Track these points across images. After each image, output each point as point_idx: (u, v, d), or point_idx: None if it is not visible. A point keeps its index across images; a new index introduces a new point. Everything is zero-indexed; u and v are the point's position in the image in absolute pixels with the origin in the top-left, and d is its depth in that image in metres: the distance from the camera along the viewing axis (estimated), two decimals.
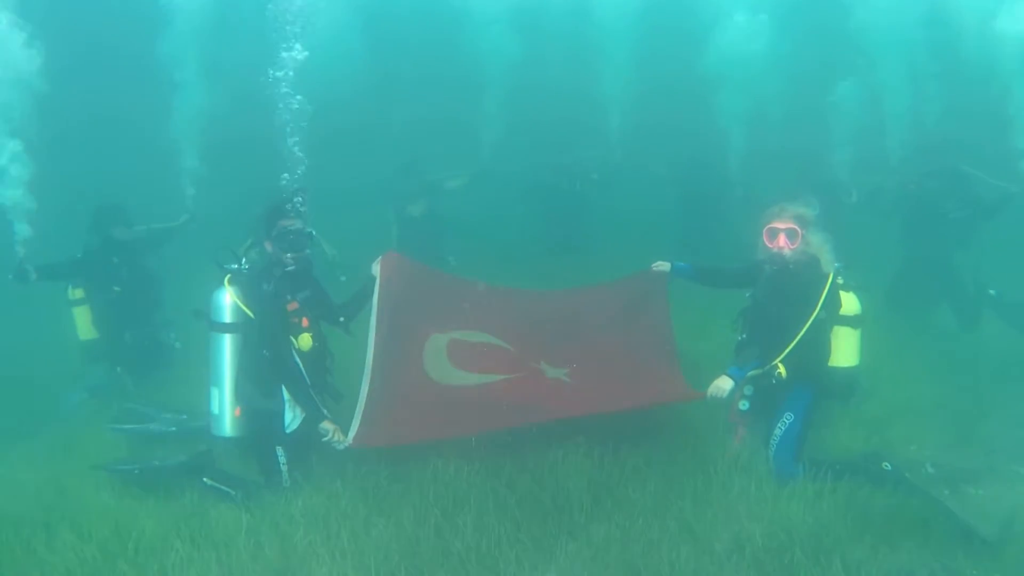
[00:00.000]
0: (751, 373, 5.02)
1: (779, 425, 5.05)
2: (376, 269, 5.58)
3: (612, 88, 12.47)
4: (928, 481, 5.22)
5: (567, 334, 5.85)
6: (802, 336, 4.87)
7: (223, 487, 5.03)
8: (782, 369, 4.87)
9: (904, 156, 9.03)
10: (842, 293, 5.10)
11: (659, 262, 5.93)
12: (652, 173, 11.43)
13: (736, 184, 10.43)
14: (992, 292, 8.05)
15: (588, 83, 12.68)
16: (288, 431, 5.10)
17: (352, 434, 4.82)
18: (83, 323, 7.44)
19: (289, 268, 5.14)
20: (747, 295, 5.48)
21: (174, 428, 6.04)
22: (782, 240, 5.11)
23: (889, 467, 4.96)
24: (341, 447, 4.84)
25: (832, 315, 5.03)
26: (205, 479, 5.08)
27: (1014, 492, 5.30)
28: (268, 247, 5.20)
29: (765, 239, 5.20)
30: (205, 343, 5.30)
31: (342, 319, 5.50)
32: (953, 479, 5.31)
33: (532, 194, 11.74)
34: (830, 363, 5.12)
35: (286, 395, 5.06)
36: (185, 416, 6.13)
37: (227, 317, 5.09)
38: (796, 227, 5.09)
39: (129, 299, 7.46)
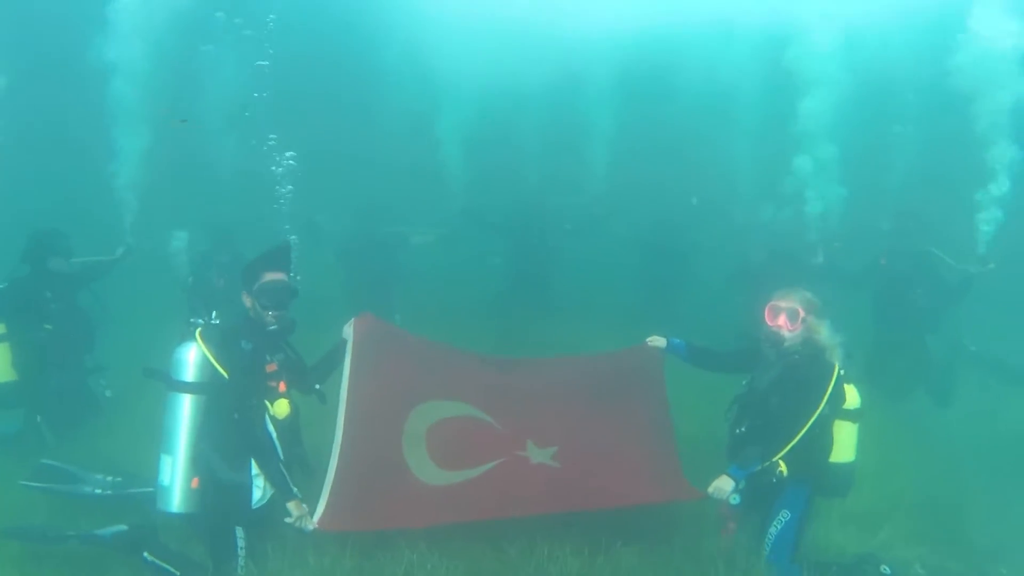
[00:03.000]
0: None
1: (775, 524, 4.88)
2: (348, 331, 5.24)
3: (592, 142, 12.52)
4: None
5: (555, 408, 5.55)
6: (804, 432, 4.73)
7: (167, 566, 4.62)
8: (783, 467, 4.71)
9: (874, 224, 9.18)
10: (845, 386, 4.98)
11: (654, 337, 5.75)
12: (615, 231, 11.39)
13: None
14: (972, 348, 8.24)
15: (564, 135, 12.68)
16: (255, 508, 4.68)
17: (318, 515, 4.46)
18: (1, 363, 6.82)
19: (271, 328, 4.77)
20: (744, 381, 5.33)
21: (109, 492, 5.56)
22: (782, 320, 4.99)
23: (888, 571, 4.87)
24: (308, 530, 4.46)
25: (835, 410, 4.90)
26: (146, 554, 4.65)
27: None
28: (248, 301, 4.81)
29: (767, 317, 5.08)
30: (159, 401, 4.78)
31: (317, 386, 5.08)
32: None
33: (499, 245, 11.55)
34: (831, 459, 4.98)
35: (255, 468, 4.65)
36: (120, 479, 5.66)
37: (191, 375, 4.61)
38: (799, 308, 4.97)
39: (59, 339, 6.95)
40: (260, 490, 4.67)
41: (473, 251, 11.87)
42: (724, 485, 4.68)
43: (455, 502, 4.76)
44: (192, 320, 4.73)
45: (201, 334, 4.63)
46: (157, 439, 4.72)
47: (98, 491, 5.60)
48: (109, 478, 5.69)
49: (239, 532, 4.61)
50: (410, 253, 10.84)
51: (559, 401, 5.62)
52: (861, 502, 5.64)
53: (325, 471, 4.71)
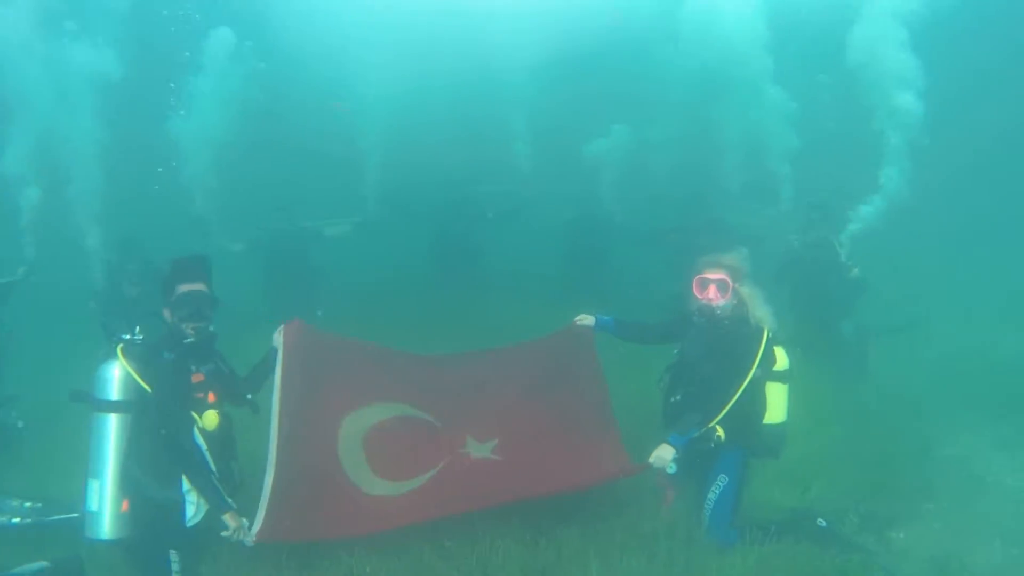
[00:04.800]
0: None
1: (713, 488, 5.02)
2: (278, 339, 5.14)
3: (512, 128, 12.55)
4: (854, 530, 5.46)
5: (492, 400, 5.58)
6: (739, 396, 4.86)
7: None
8: (721, 432, 4.85)
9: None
10: (774, 348, 5.12)
11: (582, 316, 5.80)
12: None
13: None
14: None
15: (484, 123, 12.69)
16: (189, 526, 4.55)
17: (256, 528, 4.40)
18: None
19: (188, 340, 4.64)
20: (675, 350, 5.43)
21: (28, 520, 5.36)
22: (712, 292, 5.10)
23: (824, 523, 5.08)
24: (247, 543, 4.39)
25: (766, 372, 5.05)
26: None
27: (931, 531, 5.68)
28: (167, 315, 4.67)
29: (695, 290, 5.18)
30: (80, 426, 4.64)
31: (249, 396, 4.97)
32: (877, 525, 5.63)
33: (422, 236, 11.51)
34: (764, 420, 5.13)
35: (186, 484, 4.51)
36: (40, 505, 5.46)
37: (116, 393, 4.46)
38: (727, 278, 5.09)
39: None
40: (194, 506, 4.54)
41: (393, 240, 11.82)
42: (664, 454, 4.77)
43: (397, 509, 4.74)
44: (114, 337, 4.59)
45: (123, 350, 4.50)
46: (81, 464, 4.57)
47: (16, 520, 5.40)
48: (27, 504, 5.50)
49: (173, 556, 4.48)
50: (326, 245, 10.70)
51: (496, 393, 5.65)
52: (793, 459, 5.82)
53: (262, 482, 4.63)
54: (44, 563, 4.61)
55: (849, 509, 5.67)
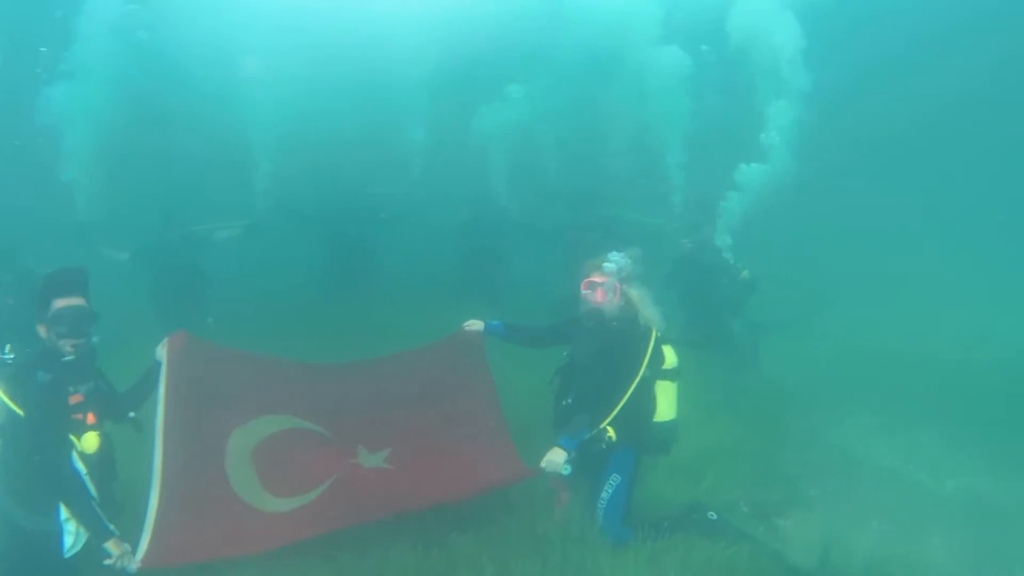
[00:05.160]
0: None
1: (606, 488, 5.08)
2: (161, 352, 4.94)
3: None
4: (744, 519, 5.64)
5: (383, 410, 5.51)
6: (629, 396, 4.93)
7: None
8: (612, 432, 4.92)
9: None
10: (663, 347, 5.22)
11: (471, 321, 5.80)
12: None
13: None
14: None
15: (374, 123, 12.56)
16: (67, 557, 4.33)
17: (141, 553, 4.19)
18: None
19: (67, 358, 4.40)
20: (565, 353, 5.48)
21: None
22: (600, 295, 5.17)
23: (715, 516, 5.20)
24: (131, 570, 4.18)
25: (656, 371, 5.14)
26: None
27: (815, 516, 5.92)
28: (42, 331, 4.43)
29: (583, 293, 5.23)
30: None
31: (132, 414, 4.74)
32: (765, 513, 5.85)
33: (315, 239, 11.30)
34: (655, 419, 5.22)
35: (64, 512, 4.28)
36: None
37: None
38: (615, 281, 5.17)
39: None
40: (72, 535, 4.32)
41: (285, 243, 11.59)
42: (556, 457, 4.80)
43: (290, 525, 4.62)
44: None
45: None
46: None
47: None
48: None
49: None
50: (217, 250, 10.38)
51: (386, 401, 5.59)
52: (685, 454, 5.95)
53: (145, 504, 4.42)
54: None
55: (739, 500, 5.89)
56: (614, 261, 5.26)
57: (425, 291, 10.82)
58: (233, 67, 12.87)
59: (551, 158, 12.29)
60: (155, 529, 4.29)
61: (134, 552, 4.20)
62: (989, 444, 7.00)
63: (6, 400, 4.19)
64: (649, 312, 5.28)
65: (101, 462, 4.47)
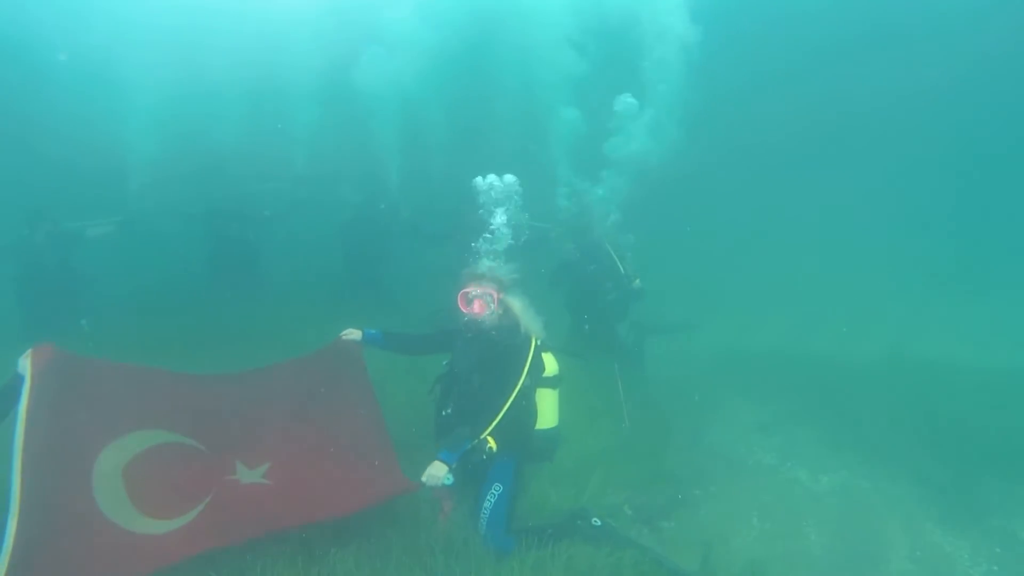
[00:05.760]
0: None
1: (488, 497, 5.05)
2: (24, 365, 4.63)
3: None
4: (628, 523, 5.73)
5: (261, 423, 5.31)
6: (509, 406, 4.93)
7: None
8: (492, 443, 4.90)
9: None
10: (543, 355, 5.25)
11: (349, 330, 5.70)
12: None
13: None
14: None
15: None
16: None
17: None
18: None
19: None
20: (444, 362, 5.45)
21: None
22: (477, 306, 5.17)
23: (599, 522, 5.22)
24: None
25: (536, 379, 5.16)
26: None
27: (698, 516, 6.08)
28: None
29: (461, 304, 5.22)
30: None
31: None
32: (649, 516, 5.96)
33: (192, 237, 10.95)
34: (536, 427, 5.24)
35: None
36: None
37: None
38: (493, 292, 5.17)
39: None
40: None
41: (163, 241, 11.23)
42: (437, 472, 4.75)
43: (165, 547, 4.41)
44: None
45: None
46: None
47: None
48: None
49: None
50: (90, 248, 9.94)
51: (264, 414, 5.39)
52: (570, 459, 6.03)
53: (2, 534, 4.13)
54: None
55: (623, 503, 5.99)
56: (492, 271, 5.27)
57: (307, 292, 10.67)
58: (112, 65, 12.44)
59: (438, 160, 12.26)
60: (13, 560, 4.03)
61: None
62: (862, 441, 7.32)
63: None
64: (530, 321, 5.30)
65: None
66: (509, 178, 6.74)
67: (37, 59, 12.98)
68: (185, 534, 4.53)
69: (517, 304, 5.30)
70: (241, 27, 12.44)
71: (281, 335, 8.34)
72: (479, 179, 6.71)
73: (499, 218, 6.53)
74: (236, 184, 11.22)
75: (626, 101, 9.37)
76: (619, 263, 8.37)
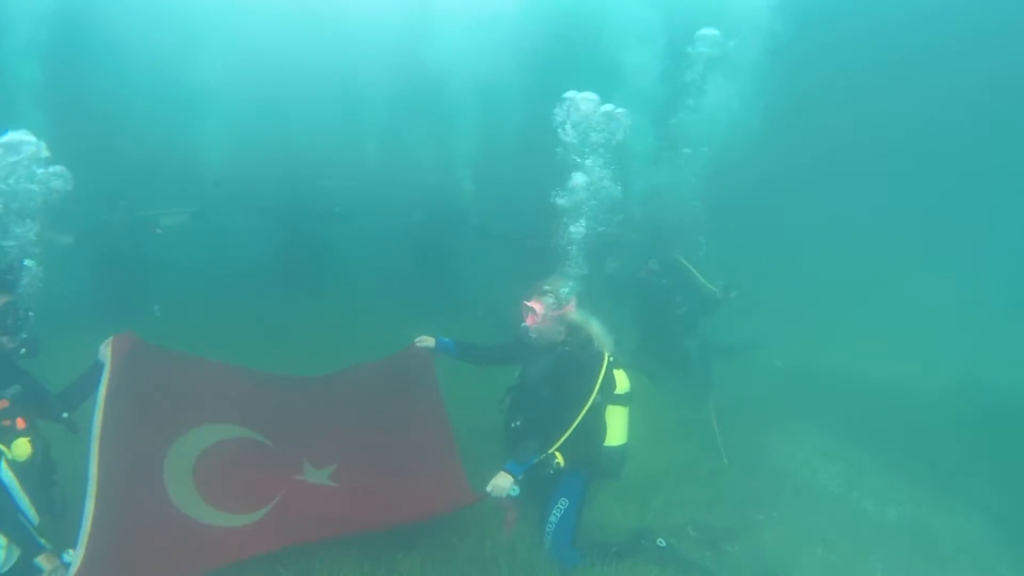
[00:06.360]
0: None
1: (554, 511, 5.08)
2: (105, 352, 4.77)
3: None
4: (692, 544, 5.69)
5: (330, 425, 5.43)
6: (579, 421, 4.94)
7: None
8: (560, 458, 4.92)
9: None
10: (614, 372, 5.25)
11: (422, 337, 5.77)
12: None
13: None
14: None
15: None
16: (3, 572, 4.17)
17: (74, 569, 4.03)
18: None
19: (21, 352, 4.34)
20: (516, 373, 5.49)
21: None
22: (531, 319, 5.25)
23: (664, 544, 5.22)
24: None
25: (607, 396, 5.16)
26: None
27: (762, 542, 5.99)
28: None
29: (522, 314, 5.31)
30: None
31: (65, 415, 4.63)
32: (712, 539, 5.89)
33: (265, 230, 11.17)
34: (605, 443, 5.25)
35: None
36: None
37: None
38: (547, 307, 5.24)
39: None
40: (4, 550, 4.17)
41: (235, 233, 11.48)
42: (503, 483, 4.80)
43: (235, 543, 4.52)
44: None
45: None
46: None
47: None
48: None
49: None
50: (162, 237, 10.21)
51: (334, 416, 5.51)
52: (634, 476, 5.98)
53: (80, 517, 4.24)
54: None
55: (687, 524, 5.94)
56: (550, 285, 5.32)
57: (375, 291, 10.78)
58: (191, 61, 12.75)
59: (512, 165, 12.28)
60: (90, 545, 4.15)
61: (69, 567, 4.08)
62: (932, 474, 7.18)
63: None
64: (601, 336, 5.32)
65: (36, 467, 4.34)
66: (581, 178, 6.66)
67: (121, 60, 13.36)
68: (255, 531, 4.65)
69: (586, 319, 5.33)
70: (321, 28, 12.67)
71: (347, 333, 8.48)
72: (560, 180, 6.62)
73: (571, 223, 6.52)
74: (310, 181, 11.37)
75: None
76: (697, 274, 8.30)
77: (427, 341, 5.75)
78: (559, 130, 6.30)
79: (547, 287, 5.34)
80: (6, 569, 4.21)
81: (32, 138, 5.09)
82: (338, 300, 10.43)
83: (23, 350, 4.38)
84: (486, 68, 11.91)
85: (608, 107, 6.22)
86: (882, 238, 15.97)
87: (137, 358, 4.90)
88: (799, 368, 10.12)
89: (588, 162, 6.36)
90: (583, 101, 6.06)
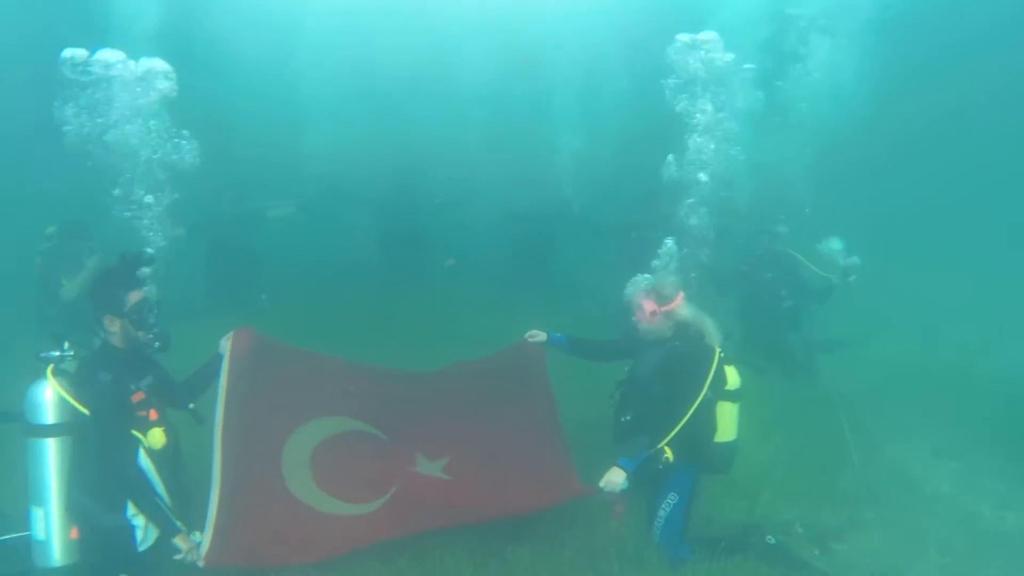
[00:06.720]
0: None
1: (663, 506, 5.15)
2: (225, 346, 5.05)
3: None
4: (799, 542, 5.67)
5: (442, 418, 5.62)
6: (689, 417, 4.98)
7: None
8: (669, 453, 4.97)
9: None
10: (725, 367, 5.26)
11: (533, 331, 5.88)
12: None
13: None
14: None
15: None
16: (140, 551, 4.50)
17: (204, 550, 4.32)
18: None
19: (156, 346, 4.58)
20: (626, 367, 5.55)
21: None
22: (640, 315, 5.31)
23: (773, 540, 5.23)
24: (200, 565, 4.31)
25: (718, 392, 5.18)
26: None
27: (873, 541, 5.90)
28: (114, 326, 4.50)
29: (632, 310, 5.37)
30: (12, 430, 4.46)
31: (191, 405, 4.89)
32: (821, 536, 5.86)
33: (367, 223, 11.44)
34: (714, 439, 5.27)
35: (131, 509, 4.43)
36: None
37: (50, 417, 4.28)
38: (652, 302, 5.29)
39: None
40: (142, 531, 4.48)
41: (338, 224, 11.76)
42: (615, 478, 4.89)
43: (351, 532, 4.72)
44: (42, 354, 4.40)
45: (54, 371, 4.33)
46: (15, 477, 4.49)
47: None
48: None
49: None
50: (270, 228, 10.59)
51: (446, 410, 5.69)
52: (742, 471, 5.96)
53: (207, 501, 4.53)
54: None
55: (794, 520, 5.92)
56: (659, 283, 5.37)
57: (480, 280, 10.93)
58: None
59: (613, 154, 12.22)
60: (216, 528, 4.40)
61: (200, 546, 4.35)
62: None
63: (70, 400, 4.28)
64: (712, 332, 5.34)
65: (168, 454, 4.60)
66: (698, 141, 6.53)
67: (228, 60, 13.79)
68: (372, 520, 4.83)
69: (700, 314, 5.35)
70: (424, 17, 12.81)
71: (451, 324, 8.66)
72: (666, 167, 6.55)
73: (684, 213, 6.47)
74: (411, 172, 11.55)
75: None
76: (808, 263, 8.15)
77: (539, 336, 5.86)
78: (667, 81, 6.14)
79: (655, 281, 5.39)
80: (147, 546, 4.52)
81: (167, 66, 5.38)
82: (442, 291, 10.60)
83: (157, 344, 4.60)
84: (589, 56, 11.86)
85: (728, 56, 6.01)
86: (1009, 220, 15.24)
87: (256, 352, 5.15)
88: (911, 361, 9.79)
89: (704, 115, 6.17)
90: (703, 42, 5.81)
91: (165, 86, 5.42)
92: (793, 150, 9.93)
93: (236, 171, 11.08)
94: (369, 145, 12.09)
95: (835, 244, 8.36)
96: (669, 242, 5.72)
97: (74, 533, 4.36)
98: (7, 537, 4.99)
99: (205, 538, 4.36)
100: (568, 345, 5.90)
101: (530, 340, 5.87)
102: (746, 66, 6.08)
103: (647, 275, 5.49)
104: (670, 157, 6.45)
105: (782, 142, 9.87)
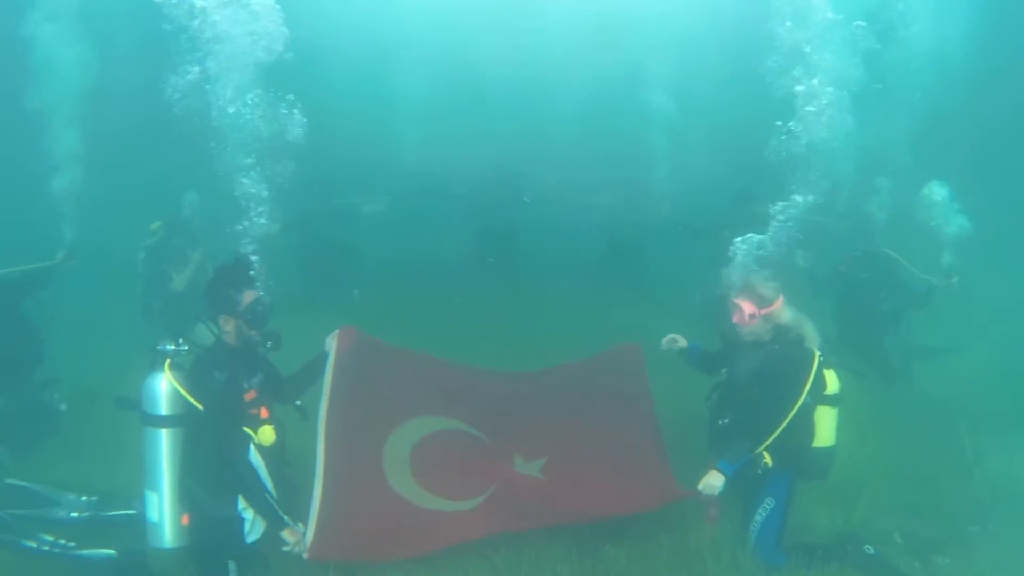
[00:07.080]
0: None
1: (759, 511, 5.10)
2: (330, 344, 5.21)
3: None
4: (899, 553, 5.51)
5: (540, 419, 5.66)
6: (788, 422, 4.91)
7: None
8: (768, 458, 4.91)
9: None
10: (825, 372, 5.16)
11: (673, 336, 5.81)
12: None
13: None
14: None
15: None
16: (250, 542, 4.68)
17: (307, 544, 4.44)
18: None
19: (269, 347, 4.76)
20: (723, 370, 5.49)
21: (86, 514, 5.52)
22: (737, 316, 5.21)
23: (872, 551, 5.13)
24: (306, 557, 4.45)
25: (817, 397, 5.09)
26: None
27: (975, 556, 5.66)
28: (228, 325, 4.66)
29: (730, 312, 5.28)
30: (119, 413, 4.78)
31: (298, 402, 5.04)
32: (921, 548, 5.66)
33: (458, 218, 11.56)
34: (813, 444, 5.18)
35: (241, 502, 4.60)
36: (95, 499, 5.62)
37: (165, 409, 4.53)
38: (751, 304, 5.17)
39: (4, 354, 6.79)
40: (251, 523, 4.65)
41: (428, 220, 11.89)
42: (714, 481, 4.84)
43: (450, 529, 4.80)
44: (159, 348, 4.62)
45: (171, 366, 4.54)
46: (125, 457, 4.77)
47: (74, 514, 5.53)
48: (84, 498, 5.64)
49: (232, 566, 4.61)
50: (362, 224, 10.78)
51: (544, 411, 5.73)
52: (837, 478, 5.81)
53: (310, 496, 4.67)
54: (112, 552, 4.85)
55: (893, 530, 5.77)
56: (756, 284, 5.24)
57: (569, 276, 10.93)
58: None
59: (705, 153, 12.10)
60: (319, 522, 4.53)
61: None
62: None
63: (184, 394, 4.48)
64: (811, 335, 5.23)
65: (275, 450, 4.74)
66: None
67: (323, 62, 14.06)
68: (471, 517, 4.90)
69: (800, 318, 5.24)
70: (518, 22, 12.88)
71: (536, 322, 8.68)
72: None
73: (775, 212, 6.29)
74: (503, 167, 11.60)
75: None
76: (907, 264, 7.94)
77: (680, 342, 5.80)
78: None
79: (753, 283, 5.30)
80: (255, 537, 4.68)
81: None
82: (532, 290, 10.64)
83: (268, 343, 4.77)
84: (681, 58, 11.76)
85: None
86: None
87: (360, 351, 5.29)
88: (1009, 369, 9.40)
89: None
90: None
91: None
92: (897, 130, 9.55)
93: (327, 167, 11.33)
94: (463, 142, 12.19)
95: (938, 190, 8.14)
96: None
97: (185, 519, 4.58)
98: (113, 514, 5.27)
99: (308, 531, 4.49)
100: (697, 356, 5.83)
101: (666, 343, 5.80)
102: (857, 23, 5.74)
103: (749, 276, 5.35)
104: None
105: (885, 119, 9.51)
